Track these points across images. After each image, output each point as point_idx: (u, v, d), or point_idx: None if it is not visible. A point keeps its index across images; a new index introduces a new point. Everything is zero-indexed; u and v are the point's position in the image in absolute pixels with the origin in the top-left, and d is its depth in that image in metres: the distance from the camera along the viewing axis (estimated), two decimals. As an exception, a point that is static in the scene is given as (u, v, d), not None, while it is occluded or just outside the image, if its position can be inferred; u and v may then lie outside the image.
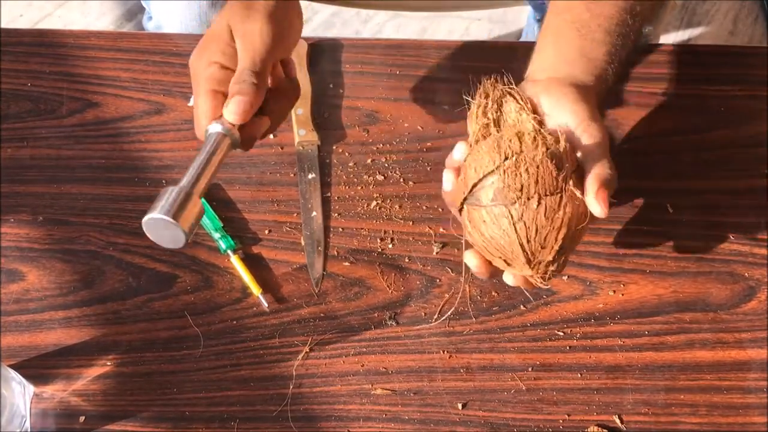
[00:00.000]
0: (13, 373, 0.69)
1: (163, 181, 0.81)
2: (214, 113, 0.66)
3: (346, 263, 0.77)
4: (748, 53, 0.90)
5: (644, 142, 0.83)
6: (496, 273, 0.65)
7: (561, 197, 0.61)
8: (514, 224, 0.61)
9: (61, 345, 0.73)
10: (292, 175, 0.81)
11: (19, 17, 1.73)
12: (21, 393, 0.69)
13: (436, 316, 0.75)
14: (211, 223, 0.78)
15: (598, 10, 0.70)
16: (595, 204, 0.62)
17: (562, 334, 0.74)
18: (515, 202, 0.61)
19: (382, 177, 0.81)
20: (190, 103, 0.85)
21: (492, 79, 0.70)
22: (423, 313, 0.75)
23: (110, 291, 0.76)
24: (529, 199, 0.61)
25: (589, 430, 0.71)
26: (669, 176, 0.81)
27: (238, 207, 0.80)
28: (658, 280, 0.77)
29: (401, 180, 0.81)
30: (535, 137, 0.63)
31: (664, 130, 0.84)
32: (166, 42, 0.89)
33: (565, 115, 0.66)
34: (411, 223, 0.79)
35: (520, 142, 0.63)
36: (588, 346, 0.74)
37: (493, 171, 0.62)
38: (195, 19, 0.97)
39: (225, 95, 0.67)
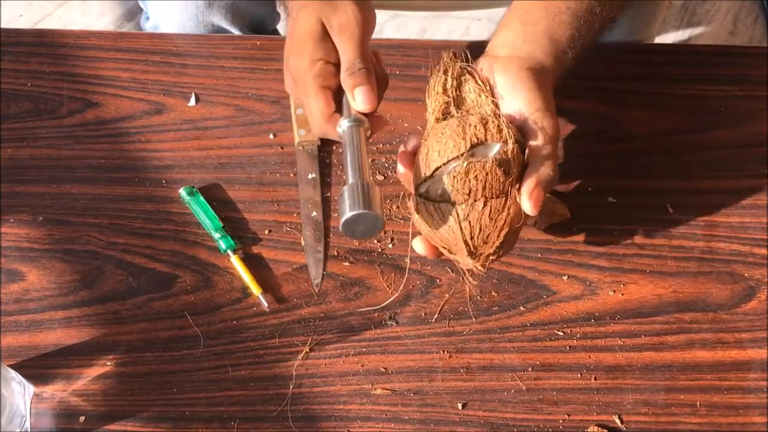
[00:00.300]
0: (13, 373, 0.69)
1: (163, 181, 0.81)
2: (329, 108, 0.68)
3: (346, 263, 0.77)
4: (748, 53, 0.90)
5: (644, 142, 0.83)
6: (436, 255, 0.68)
7: (506, 200, 0.64)
8: (459, 222, 0.64)
9: (61, 345, 0.73)
10: (292, 175, 0.81)
11: (19, 17, 1.72)
12: (21, 393, 0.69)
13: (436, 316, 0.75)
14: (211, 223, 0.78)
15: None
16: (527, 202, 0.64)
17: (562, 334, 0.74)
18: (462, 203, 0.64)
19: (382, 177, 0.81)
20: (191, 103, 0.85)
21: (451, 54, 0.71)
22: (423, 313, 0.75)
23: (110, 291, 0.76)
24: (475, 201, 0.64)
25: (589, 430, 0.71)
26: (669, 176, 0.81)
27: (238, 207, 0.80)
28: (658, 280, 0.77)
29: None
30: (499, 126, 0.65)
31: (665, 130, 0.84)
32: (166, 42, 0.89)
33: (520, 102, 0.67)
34: (411, 223, 0.79)
35: (485, 130, 0.65)
36: (588, 346, 0.74)
37: (456, 157, 0.64)
38: (192, 20, 0.97)
39: (333, 90, 0.68)
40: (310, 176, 0.81)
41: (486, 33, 1.67)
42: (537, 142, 0.66)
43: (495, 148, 0.65)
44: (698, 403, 0.72)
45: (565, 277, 0.77)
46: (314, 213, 0.79)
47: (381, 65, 0.72)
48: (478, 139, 0.64)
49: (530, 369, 0.73)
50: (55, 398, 0.71)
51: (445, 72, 0.70)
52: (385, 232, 0.78)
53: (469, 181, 0.63)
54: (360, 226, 0.62)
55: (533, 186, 0.64)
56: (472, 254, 0.64)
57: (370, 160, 0.68)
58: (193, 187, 0.80)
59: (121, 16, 1.73)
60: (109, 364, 0.73)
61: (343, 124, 0.67)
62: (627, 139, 0.83)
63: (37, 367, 0.72)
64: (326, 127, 0.68)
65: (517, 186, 0.65)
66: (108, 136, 0.83)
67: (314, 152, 0.82)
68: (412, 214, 0.67)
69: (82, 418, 0.71)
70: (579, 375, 0.73)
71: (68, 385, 0.72)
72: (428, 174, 0.65)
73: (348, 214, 0.61)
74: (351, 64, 0.68)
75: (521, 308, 0.75)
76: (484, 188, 0.63)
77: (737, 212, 0.80)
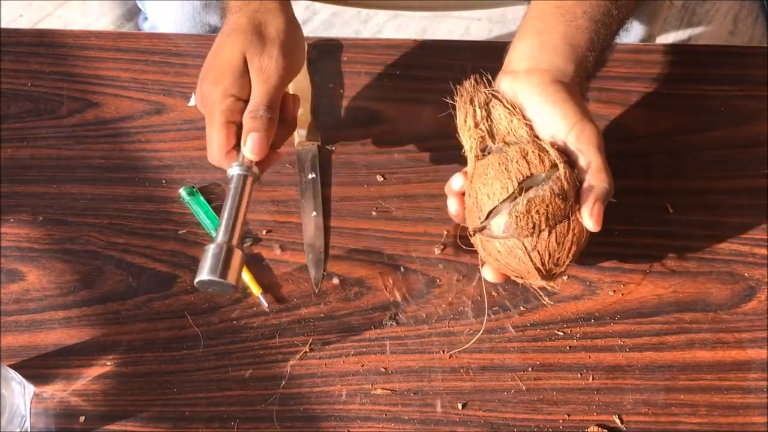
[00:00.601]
0: (13, 373, 0.69)
1: (163, 181, 0.81)
2: (228, 144, 0.69)
3: (346, 263, 0.77)
4: (748, 53, 0.90)
5: (644, 142, 0.83)
6: (507, 279, 0.70)
7: (569, 223, 0.65)
8: (528, 254, 0.65)
9: (61, 345, 0.73)
10: (292, 175, 0.81)
11: (19, 17, 1.73)
12: (21, 393, 0.69)
13: (438, 318, 0.75)
14: (211, 223, 0.78)
15: None
16: (589, 220, 0.65)
17: (562, 334, 0.74)
18: (528, 236, 0.64)
19: (382, 177, 0.81)
20: (190, 103, 0.85)
21: (472, 80, 0.70)
22: (423, 313, 0.75)
23: (110, 291, 0.76)
24: (540, 232, 0.64)
25: (589, 430, 0.70)
26: (669, 176, 0.81)
27: (238, 207, 0.80)
28: (658, 280, 0.77)
29: (401, 180, 0.81)
30: (541, 152, 0.65)
31: (664, 130, 0.84)
32: (165, 42, 0.89)
33: (556, 118, 0.66)
34: (411, 223, 0.79)
35: (527, 162, 0.65)
36: (588, 346, 0.74)
37: (506, 198, 0.65)
38: (189, 20, 0.97)
39: (238, 125, 0.69)
40: (310, 176, 0.81)
41: (486, 33, 1.67)
42: (585, 155, 0.66)
43: (542, 177, 0.65)
44: (698, 403, 0.72)
45: (565, 277, 0.77)
46: (314, 213, 0.79)
47: (293, 111, 0.72)
48: (522, 175, 0.64)
49: (530, 369, 0.73)
50: (55, 398, 0.71)
51: (471, 102, 0.69)
52: (385, 232, 0.78)
53: (531, 216, 0.64)
54: (213, 287, 0.66)
55: (593, 203, 0.65)
56: (545, 277, 0.66)
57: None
58: (193, 187, 0.80)
59: (121, 16, 1.73)
60: (109, 364, 0.73)
61: (233, 170, 0.69)
62: (627, 139, 0.83)
63: (37, 367, 0.72)
64: (222, 161, 0.70)
65: (577, 206, 0.65)
66: (108, 136, 0.83)
67: (314, 152, 0.82)
68: (478, 251, 0.68)
69: (82, 418, 0.71)
70: (579, 375, 0.73)
71: (68, 385, 0.72)
72: (482, 217, 0.66)
73: (203, 276, 0.65)
74: (256, 108, 0.68)
75: (521, 308, 0.75)
76: (546, 219, 0.64)
77: (737, 212, 0.80)
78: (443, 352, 0.74)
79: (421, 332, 0.74)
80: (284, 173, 0.81)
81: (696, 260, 0.77)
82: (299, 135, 0.82)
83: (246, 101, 0.70)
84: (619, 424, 0.71)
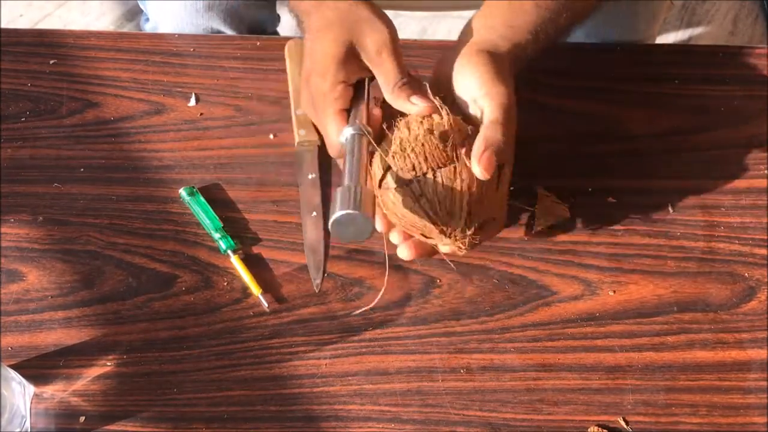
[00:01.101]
0: (13, 373, 0.69)
1: (163, 181, 0.81)
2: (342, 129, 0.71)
3: (346, 263, 0.77)
4: (748, 53, 0.90)
5: (644, 142, 0.83)
6: (423, 253, 0.69)
7: (455, 167, 0.65)
8: (417, 200, 0.65)
9: (61, 345, 0.73)
10: (292, 175, 0.81)
11: (19, 17, 1.72)
12: (21, 393, 0.69)
13: (436, 316, 0.75)
14: (211, 223, 0.78)
15: None
16: (476, 166, 0.65)
17: (562, 334, 0.74)
18: (412, 181, 0.66)
19: (382, 177, 0.81)
20: (191, 103, 0.85)
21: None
22: (423, 314, 0.75)
23: (110, 291, 0.76)
24: (424, 175, 0.66)
25: (589, 430, 0.70)
26: (669, 176, 0.81)
27: (238, 207, 0.80)
28: (658, 280, 0.77)
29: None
30: (421, 120, 0.68)
31: (665, 130, 0.84)
32: (166, 42, 0.89)
33: (472, 81, 0.69)
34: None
35: (408, 130, 0.67)
36: (588, 346, 0.74)
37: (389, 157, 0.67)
38: (190, 23, 0.97)
39: (347, 111, 0.71)
40: (310, 176, 0.81)
41: (486, 33, 1.67)
42: (487, 111, 0.68)
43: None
44: (698, 403, 0.72)
45: (565, 277, 0.77)
46: (314, 213, 0.79)
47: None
48: (401, 137, 0.67)
49: (530, 369, 0.73)
50: (55, 398, 0.71)
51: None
52: (385, 232, 0.79)
53: (408, 156, 0.65)
54: (350, 228, 0.62)
55: (482, 148, 0.65)
56: (444, 232, 0.66)
57: (371, 168, 0.68)
58: (193, 187, 0.80)
59: (121, 16, 1.73)
60: (109, 364, 0.73)
61: (347, 132, 0.69)
62: (627, 139, 0.83)
63: (37, 367, 0.72)
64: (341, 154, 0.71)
65: (464, 150, 0.66)
66: (108, 136, 0.83)
67: (314, 152, 0.82)
68: (383, 210, 0.69)
69: (82, 419, 0.71)
70: (579, 375, 0.73)
71: (68, 386, 0.72)
72: (376, 187, 0.68)
73: (338, 213, 0.61)
74: (398, 79, 0.70)
75: (521, 308, 0.75)
76: (425, 159, 0.65)
77: (737, 212, 0.80)
78: (443, 352, 0.74)
79: (421, 332, 0.74)
80: (284, 173, 0.81)
81: (696, 260, 0.77)
82: (299, 135, 0.82)
83: (353, 85, 0.72)
84: (624, 426, 0.71)
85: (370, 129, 0.70)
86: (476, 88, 0.69)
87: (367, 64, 0.71)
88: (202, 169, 0.81)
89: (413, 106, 0.69)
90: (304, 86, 0.74)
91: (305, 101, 0.75)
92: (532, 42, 0.72)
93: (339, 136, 0.70)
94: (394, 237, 0.70)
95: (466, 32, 0.73)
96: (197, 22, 0.97)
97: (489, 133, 0.66)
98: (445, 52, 0.73)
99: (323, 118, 0.72)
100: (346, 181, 0.65)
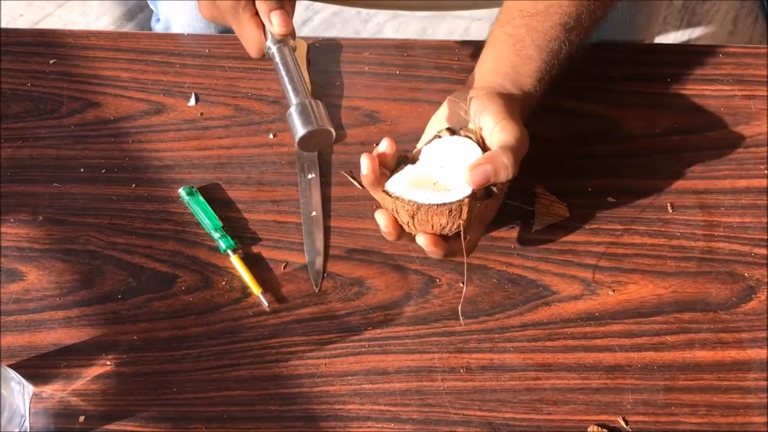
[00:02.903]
0: (12, 373, 0.69)
1: (163, 181, 0.81)
2: (263, 37, 0.71)
3: (346, 263, 0.77)
4: (748, 53, 0.90)
5: (644, 142, 0.83)
6: (403, 234, 0.69)
7: (460, 232, 0.67)
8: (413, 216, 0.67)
9: (60, 345, 0.73)
10: (292, 175, 0.81)
11: (19, 17, 1.73)
12: (20, 393, 0.69)
13: (437, 316, 0.75)
14: (210, 223, 0.78)
15: (534, 25, 0.75)
16: (468, 172, 0.66)
17: (561, 334, 0.74)
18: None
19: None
20: (191, 103, 0.85)
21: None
22: (423, 313, 0.75)
23: (110, 291, 0.76)
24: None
25: (589, 430, 0.71)
26: (669, 176, 0.81)
27: (238, 207, 0.80)
28: (658, 280, 0.77)
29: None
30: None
31: (665, 130, 0.84)
32: (166, 42, 0.89)
33: (488, 120, 0.70)
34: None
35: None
36: (588, 346, 0.74)
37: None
38: (201, 19, 0.97)
39: (257, 14, 0.71)
40: (310, 176, 0.81)
41: (486, 33, 1.67)
42: (499, 138, 0.69)
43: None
44: (698, 403, 0.72)
45: (564, 277, 0.77)
46: (314, 213, 0.79)
47: None
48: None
49: (530, 369, 0.73)
50: (54, 398, 0.71)
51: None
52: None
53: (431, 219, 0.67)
54: (314, 140, 0.68)
55: (481, 161, 0.67)
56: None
57: (306, 77, 0.71)
58: (193, 187, 0.80)
59: (121, 16, 1.73)
60: (109, 364, 0.73)
61: (270, 47, 0.71)
62: (627, 139, 0.83)
63: (37, 367, 0.72)
64: (261, 52, 0.72)
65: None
66: (108, 136, 0.83)
67: (314, 152, 0.82)
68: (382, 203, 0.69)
69: (81, 418, 0.71)
70: (579, 375, 0.73)
71: (68, 385, 0.72)
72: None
73: (302, 132, 0.66)
74: None
75: (521, 308, 0.75)
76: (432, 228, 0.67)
77: (737, 212, 0.80)
78: (443, 351, 0.74)
79: (421, 332, 0.74)
80: (284, 173, 0.81)
81: (696, 260, 0.77)
82: (299, 135, 0.82)
83: None
84: (624, 426, 0.71)
85: (288, 37, 0.71)
86: (490, 123, 0.70)
87: None
88: (201, 169, 0.81)
89: (269, 24, 0.70)
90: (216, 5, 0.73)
91: (204, 8, 0.73)
92: (541, 87, 0.75)
93: (258, 42, 0.71)
94: (379, 216, 0.69)
95: (480, 72, 0.76)
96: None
97: (495, 152, 0.68)
98: (465, 87, 0.75)
99: (237, 25, 0.72)
100: (294, 98, 0.68)
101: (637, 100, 0.85)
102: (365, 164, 0.68)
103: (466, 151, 0.69)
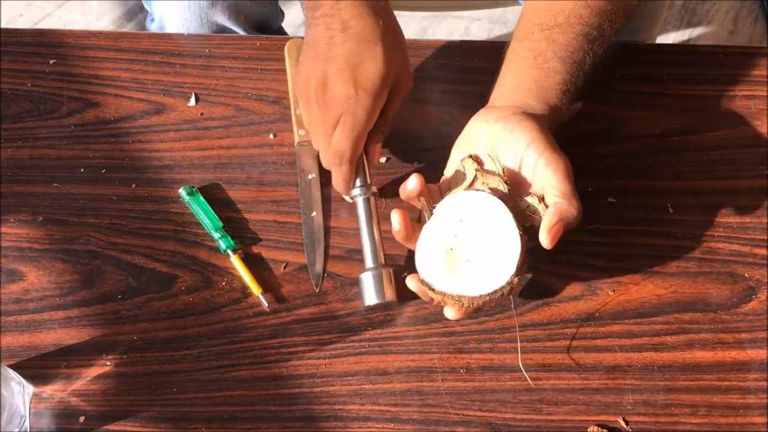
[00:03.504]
0: (12, 373, 0.69)
1: (163, 181, 0.81)
2: (352, 178, 0.76)
3: (346, 263, 0.77)
4: (748, 53, 0.90)
5: (644, 142, 0.83)
6: (412, 236, 0.69)
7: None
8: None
9: (60, 345, 0.73)
10: (292, 175, 0.81)
11: (19, 17, 1.73)
12: (20, 393, 0.69)
13: (437, 316, 0.75)
14: (211, 223, 0.78)
15: (555, 37, 0.73)
16: (545, 235, 0.66)
17: (562, 334, 0.74)
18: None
19: (382, 177, 0.81)
20: (191, 103, 0.85)
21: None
22: (423, 313, 0.75)
23: (110, 291, 0.76)
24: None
25: (589, 430, 0.70)
26: (669, 176, 0.81)
27: (238, 207, 0.80)
28: (658, 280, 0.77)
29: (400, 180, 0.81)
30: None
31: (664, 130, 0.84)
32: (166, 42, 0.89)
33: (523, 144, 0.69)
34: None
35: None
36: (588, 346, 0.74)
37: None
38: (195, 20, 0.97)
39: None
40: (310, 176, 0.81)
41: (486, 33, 1.67)
42: (554, 175, 0.68)
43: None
44: (698, 403, 0.72)
45: (565, 277, 0.77)
46: (314, 213, 0.79)
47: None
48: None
49: (530, 369, 0.73)
50: (54, 398, 0.71)
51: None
52: (385, 232, 0.78)
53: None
54: (379, 306, 0.74)
55: (554, 221, 0.66)
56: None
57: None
58: (193, 187, 0.80)
59: (121, 16, 1.73)
60: (109, 364, 0.73)
61: (358, 196, 0.75)
62: (627, 139, 0.83)
63: (37, 367, 0.72)
64: (348, 191, 0.76)
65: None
66: (108, 136, 0.83)
67: (314, 152, 0.82)
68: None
69: (81, 418, 0.71)
70: (579, 375, 0.73)
71: (68, 385, 0.72)
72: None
73: (370, 302, 0.73)
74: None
75: (521, 308, 0.75)
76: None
77: (737, 212, 0.80)
78: (443, 352, 0.74)
79: (421, 332, 0.74)
80: (284, 173, 0.81)
81: (696, 260, 0.77)
82: (299, 135, 0.82)
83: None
84: (624, 426, 0.71)
85: (375, 188, 0.76)
86: (530, 153, 0.69)
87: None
88: (201, 169, 0.81)
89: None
90: (313, 90, 0.73)
91: (311, 113, 0.75)
92: (566, 101, 0.74)
93: (347, 185, 0.75)
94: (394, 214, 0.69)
95: (500, 90, 0.74)
96: (202, 19, 0.97)
97: (563, 207, 0.67)
98: (486, 108, 0.73)
99: (339, 164, 0.75)
100: (371, 261, 0.74)
101: (638, 100, 0.85)
102: (396, 220, 0.68)
103: (482, 202, 0.68)
